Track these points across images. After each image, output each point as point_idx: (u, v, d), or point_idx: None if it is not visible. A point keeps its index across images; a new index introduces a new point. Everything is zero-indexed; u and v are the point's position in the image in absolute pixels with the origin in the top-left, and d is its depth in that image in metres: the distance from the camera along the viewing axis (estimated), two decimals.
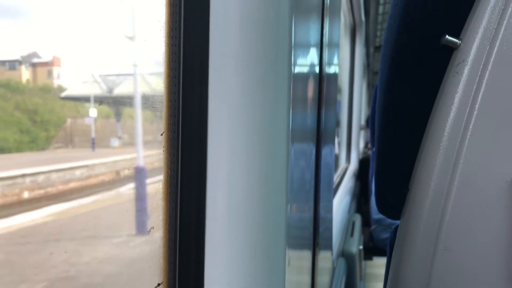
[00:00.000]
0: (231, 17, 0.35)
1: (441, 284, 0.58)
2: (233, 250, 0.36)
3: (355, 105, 3.48)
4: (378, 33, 5.68)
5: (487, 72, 0.54)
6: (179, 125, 0.36)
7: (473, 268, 0.56)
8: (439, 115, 0.58)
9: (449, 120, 0.57)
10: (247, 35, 0.35)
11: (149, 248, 0.37)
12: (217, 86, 0.35)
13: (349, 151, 3.47)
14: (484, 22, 0.54)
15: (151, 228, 0.37)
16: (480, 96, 0.54)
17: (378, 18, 4.95)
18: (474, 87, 0.55)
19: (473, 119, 0.55)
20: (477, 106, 0.55)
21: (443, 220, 0.57)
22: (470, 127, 0.55)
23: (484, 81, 0.54)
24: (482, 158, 0.55)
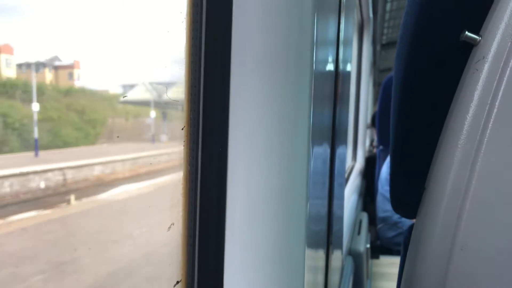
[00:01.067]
0: (254, 13, 0.34)
1: (458, 285, 0.57)
2: (253, 247, 0.36)
3: (361, 103, 3.47)
4: (385, 31, 5.65)
5: (508, 69, 0.53)
6: (200, 120, 0.35)
7: (491, 269, 0.55)
8: (457, 113, 0.57)
9: (467, 118, 0.56)
10: (270, 32, 0.34)
11: (169, 245, 0.37)
12: (239, 82, 0.34)
13: (356, 149, 3.46)
14: (506, 17, 0.53)
15: (171, 225, 0.36)
16: (500, 93, 0.53)
17: (385, 15, 4.92)
18: (494, 84, 0.54)
19: (492, 117, 0.54)
20: (497, 103, 0.54)
21: (460, 220, 0.56)
22: (490, 125, 0.54)
23: (505, 79, 0.53)
24: (501, 157, 0.53)
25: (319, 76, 0.44)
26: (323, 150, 0.52)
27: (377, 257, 2.15)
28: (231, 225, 0.35)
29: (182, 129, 0.35)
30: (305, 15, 0.36)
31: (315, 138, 0.43)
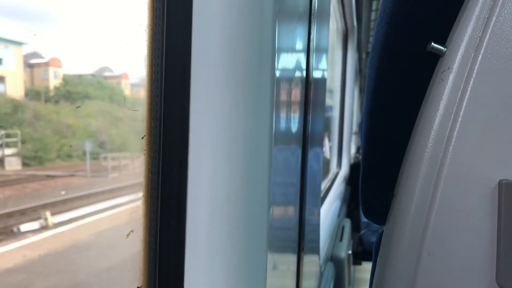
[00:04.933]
0: (214, 21, 0.35)
1: None
2: (214, 253, 0.36)
3: (346, 110, 3.49)
4: (370, 39, 5.71)
5: (472, 79, 0.54)
6: (161, 129, 0.36)
7: (457, 273, 0.56)
8: (424, 122, 0.59)
9: (434, 126, 0.57)
10: (230, 39, 0.35)
11: (129, 251, 0.37)
12: (199, 90, 0.35)
13: (340, 156, 3.48)
14: (469, 30, 0.55)
15: (130, 232, 0.37)
16: (464, 103, 0.55)
17: (370, 24, 4.98)
18: (459, 94, 0.55)
19: (457, 125, 0.55)
20: (461, 113, 0.55)
21: (427, 226, 0.57)
22: (455, 134, 0.55)
23: (469, 88, 0.55)
24: (466, 164, 0.55)
25: (284, 82, 0.45)
26: (291, 156, 0.53)
27: (359, 263, 2.17)
28: (192, 232, 0.36)
29: (142, 138, 0.35)
30: (265, 22, 0.37)
31: (279, 144, 0.43)
